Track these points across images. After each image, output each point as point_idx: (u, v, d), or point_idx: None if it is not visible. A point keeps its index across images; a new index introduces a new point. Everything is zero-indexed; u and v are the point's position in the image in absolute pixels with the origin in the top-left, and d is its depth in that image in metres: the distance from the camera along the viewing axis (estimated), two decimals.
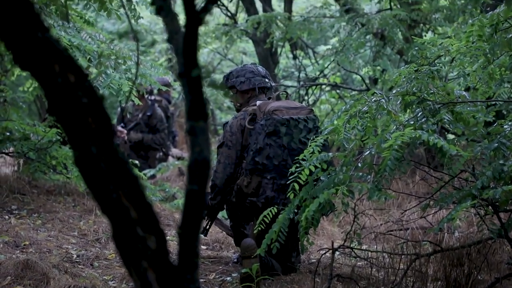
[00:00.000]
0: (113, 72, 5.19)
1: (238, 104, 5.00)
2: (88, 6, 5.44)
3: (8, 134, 6.38)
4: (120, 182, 1.95)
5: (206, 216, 4.98)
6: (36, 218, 5.84)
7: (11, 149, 6.65)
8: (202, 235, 5.06)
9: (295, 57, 10.11)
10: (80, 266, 4.65)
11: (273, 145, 4.64)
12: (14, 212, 5.98)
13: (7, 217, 5.76)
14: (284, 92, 5.10)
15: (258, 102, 4.80)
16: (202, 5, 1.82)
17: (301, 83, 9.36)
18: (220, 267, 4.86)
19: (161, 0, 1.88)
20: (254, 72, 4.98)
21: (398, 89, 4.04)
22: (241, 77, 4.95)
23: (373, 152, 3.74)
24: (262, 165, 4.62)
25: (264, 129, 4.63)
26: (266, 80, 5.00)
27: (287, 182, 4.12)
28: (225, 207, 4.93)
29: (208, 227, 5.03)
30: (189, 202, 1.93)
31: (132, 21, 5.33)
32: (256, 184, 4.65)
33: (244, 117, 4.79)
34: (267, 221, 4.21)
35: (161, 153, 9.61)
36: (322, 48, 10.84)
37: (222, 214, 5.38)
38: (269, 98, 4.92)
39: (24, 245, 4.96)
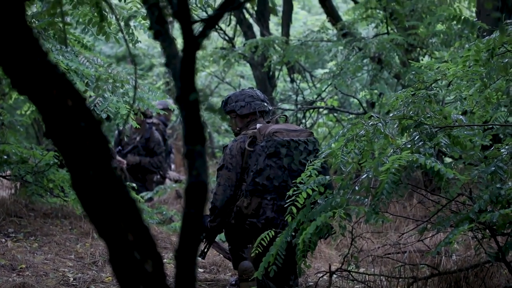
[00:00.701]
0: (110, 95, 5.20)
1: (237, 128, 5.01)
2: (86, 30, 5.47)
3: (5, 157, 6.38)
4: (117, 205, 1.95)
5: (204, 239, 4.97)
6: (32, 241, 5.83)
7: (8, 172, 6.64)
8: (200, 258, 5.04)
9: (292, 81, 10.14)
10: None
11: (274, 166, 4.65)
12: (10, 235, 5.96)
13: (3, 240, 5.74)
14: (283, 116, 5.11)
15: (258, 125, 4.82)
16: (200, 29, 1.83)
17: (299, 106, 9.37)
18: None
19: (159, 24, 1.90)
20: (253, 97, 5.00)
21: (395, 113, 4.05)
22: (240, 102, 4.97)
23: (370, 176, 3.74)
24: (262, 186, 4.63)
25: (264, 151, 4.65)
26: (265, 104, 5.03)
27: (285, 205, 4.12)
28: (223, 230, 4.92)
29: (206, 250, 5.02)
30: (187, 225, 1.94)
31: (130, 45, 5.35)
32: (256, 205, 4.66)
33: (244, 140, 4.80)
34: (265, 244, 4.21)
35: (158, 176, 9.60)
36: (319, 72, 10.88)
37: (220, 237, 5.37)
38: (268, 122, 4.93)
39: (21, 268, 4.95)
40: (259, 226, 4.60)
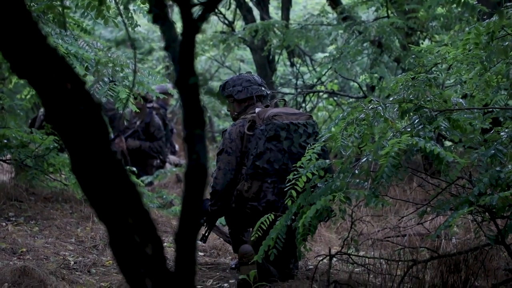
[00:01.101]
0: (110, 79, 5.20)
1: (235, 113, 5.01)
2: (85, 14, 5.46)
3: (5, 141, 6.38)
4: (117, 189, 1.95)
5: (205, 223, 4.99)
6: (33, 225, 5.84)
7: (9, 156, 6.65)
8: (201, 242, 5.06)
9: (292, 65, 10.11)
10: (77, 273, 4.65)
11: (274, 150, 4.66)
12: (11, 219, 5.98)
13: (4, 224, 5.76)
14: (282, 100, 5.11)
15: (257, 110, 4.82)
16: (199, 13, 1.83)
17: (299, 90, 9.36)
18: (218, 273, 4.85)
19: (158, 8, 1.89)
20: (250, 81, 5.00)
21: (395, 97, 4.05)
22: (238, 86, 4.97)
23: (370, 159, 3.75)
24: (262, 169, 4.64)
25: (264, 134, 4.65)
26: (263, 88, 5.03)
27: (285, 189, 4.13)
28: (224, 213, 4.94)
29: (207, 234, 5.03)
30: (186, 208, 1.94)
31: (130, 29, 5.34)
32: (256, 188, 4.67)
33: (243, 124, 4.81)
34: (265, 228, 4.22)
35: (158, 161, 9.61)
36: (319, 56, 10.84)
37: (220, 221, 5.38)
38: (266, 106, 4.93)
39: (21, 252, 4.96)
40: (260, 210, 4.61)
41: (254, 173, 4.66)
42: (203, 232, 5.02)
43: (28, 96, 7.52)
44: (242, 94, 4.95)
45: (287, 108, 4.94)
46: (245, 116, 4.87)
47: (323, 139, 4.05)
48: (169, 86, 7.45)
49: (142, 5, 5.51)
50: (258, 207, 4.64)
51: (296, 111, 4.93)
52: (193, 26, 1.84)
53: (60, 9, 4.98)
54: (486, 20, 4.02)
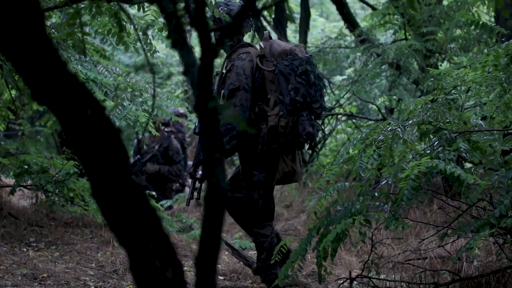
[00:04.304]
0: (129, 104, 5.23)
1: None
2: (105, 40, 5.51)
3: (26, 167, 6.42)
4: (137, 213, 1.96)
5: (197, 177, 4.87)
6: (54, 250, 5.86)
7: (29, 182, 6.69)
8: (194, 199, 4.95)
9: None
10: None
11: (304, 84, 4.72)
12: (32, 244, 6.00)
13: (25, 249, 5.78)
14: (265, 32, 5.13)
15: (262, 44, 4.85)
16: (218, 38, 1.84)
17: None
18: None
19: (177, 33, 1.91)
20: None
21: (414, 119, 4.04)
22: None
23: (390, 182, 3.73)
24: (300, 104, 4.69)
25: (294, 69, 4.71)
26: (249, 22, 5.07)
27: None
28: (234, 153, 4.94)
29: (196, 193, 4.91)
30: (206, 232, 1.94)
31: (148, 54, 5.38)
32: (292, 123, 4.73)
33: (251, 59, 4.79)
34: (284, 251, 4.21)
35: (177, 184, 9.62)
36: (337, 79, 10.86)
37: (239, 244, 5.37)
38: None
39: (42, 277, 4.97)
40: (302, 142, 4.70)
41: (292, 109, 4.68)
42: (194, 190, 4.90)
43: (50, 123, 7.57)
44: None
45: (279, 41, 5.04)
46: (246, 50, 4.86)
47: (341, 161, 4.04)
48: (181, 109, 7.48)
49: (160, 32, 5.55)
50: (299, 140, 4.70)
51: (293, 43, 5.01)
52: (211, 50, 1.85)
53: (80, 35, 5.03)
54: (505, 42, 4.01)
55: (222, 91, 4.82)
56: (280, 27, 9.72)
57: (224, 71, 4.87)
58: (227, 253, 5.84)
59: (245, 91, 4.73)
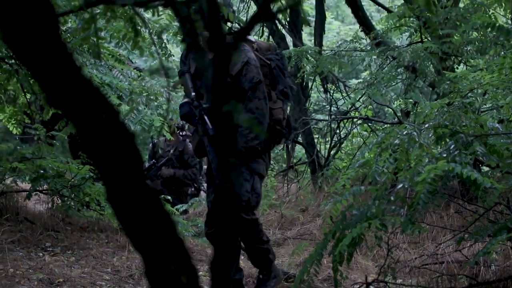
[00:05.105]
0: (144, 108, 5.24)
1: None
2: (120, 44, 5.52)
3: (42, 171, 6.44)
4: (152, 218, 1.95)
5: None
6: (70, 255, 5.87)
7: (45, 186, 6.70)
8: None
9: (326, 91, 10.11)
10: None
11: (286, 76, 4.89)
12: (48, 249, 6.01)
13: (41, 254, 5.79)
14: None
15: (252, 39, 4.93)
16: (232, 41, 1.83)
17: (333, 116, 9.34)
18: None
19: (191, 37, 1.90)
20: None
21: (431, 123, 4.02)
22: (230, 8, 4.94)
23: (406, 186, 3.71)
24: (286, 93, 4.86)
25: (283, 62, 4.87)
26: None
27: None
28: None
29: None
30: (221, 237, 1.93)
31: (163, 58, 5.38)
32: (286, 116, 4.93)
33: (250, 50, 4.81)
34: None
35: (193, 188, 9.61)
36: (353, 82, 10.84)
37: None
38: None
39: (58, 282, 4.98)
40: (284, 133, 4.85)
41: (286, 100, 4.89)
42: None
43: (66, 128, 7.59)
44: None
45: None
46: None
47: (357, 165, 4.03)
48: None
49: (175, 36, 5.55)
50: (284, 130, 4.84)
51: None
52: (225, 54, 1.84)
53: (95, 39, 5.04)
54: None
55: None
56: (295, 30, 9.72)
57: None
58: (242, 257, 5.83)
59: (263, 84, 4.73)
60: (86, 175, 6.28)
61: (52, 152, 6.78)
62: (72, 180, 6.32)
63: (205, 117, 4.43)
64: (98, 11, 4.45)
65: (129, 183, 1.95)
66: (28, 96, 6.68)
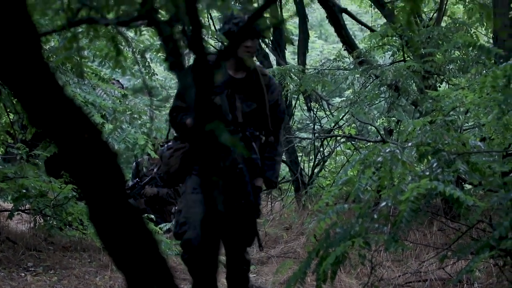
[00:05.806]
0: (128, 126, 5.24)
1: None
2: (103, 63, 5.52)
3: (24, 191, 6.40)
4: (134, 237, 1.94)
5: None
6: (52, 274, 5.82)
7: (27, 206, 6.66)
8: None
9: (309, 109, 10.13)
10: None
11: None
12: (30, 269, 5.96)
13: (23, 274, 5.74)
14: None
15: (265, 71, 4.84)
16: (215, 60, 1.83)
17: (316, 135, 9.36)
18: None
19: (174, 56, 1.90)
20: None
21: (413, 141, 4.04)
22: None
23: (389, 204, 3.72)
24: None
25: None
26: None
27: None
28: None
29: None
30: (204, 256, 1.93)
31: (147, 77, 5.39)
32: None
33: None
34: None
35: (176, 207, 9.58)
36: (336, 100, 10.88)
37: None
38: None
39: None
40: None
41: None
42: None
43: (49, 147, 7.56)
44: None
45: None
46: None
47: (340, 183, 4.03)
48: None
49: (158, 54, 5.56)
50: None
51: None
52: (208, 73, 1.84)
53: (78, 58, 5.04)
54: (503, 64, 4.02)
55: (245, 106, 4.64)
56: (278, 49, 9.76)
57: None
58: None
59: None
60: (69, 194, 6.24)
61: (35, 171, 6.75)
62: (55, 199, 6.28)
63: (253, 144, 4.51)
64: (81, 30, 4.45)
65: (112, 202, 1.95)
66: (12, 116, 6.65)
